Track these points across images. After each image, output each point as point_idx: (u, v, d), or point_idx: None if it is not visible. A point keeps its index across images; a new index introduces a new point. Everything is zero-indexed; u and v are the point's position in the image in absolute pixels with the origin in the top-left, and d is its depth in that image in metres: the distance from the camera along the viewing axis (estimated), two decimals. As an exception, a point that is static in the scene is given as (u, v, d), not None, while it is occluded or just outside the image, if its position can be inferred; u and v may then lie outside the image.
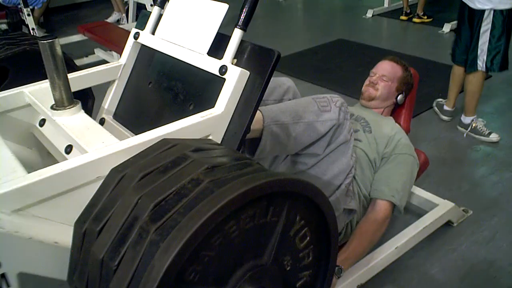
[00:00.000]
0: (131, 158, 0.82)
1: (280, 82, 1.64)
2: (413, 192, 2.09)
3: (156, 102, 1.30)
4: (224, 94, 1.06)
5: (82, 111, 1.10)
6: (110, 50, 3.90)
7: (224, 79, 1.06)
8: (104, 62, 3.84)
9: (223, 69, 1.07)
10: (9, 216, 0.83)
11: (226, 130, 1.07)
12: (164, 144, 0.84)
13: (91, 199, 0.79)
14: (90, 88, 1.47)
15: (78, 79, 1.30)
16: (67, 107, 1.08)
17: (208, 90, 1.15)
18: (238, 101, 1.06)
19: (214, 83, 1.11)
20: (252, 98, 1.05)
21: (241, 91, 1.06)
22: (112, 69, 1.38)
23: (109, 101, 1.40)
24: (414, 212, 2.06)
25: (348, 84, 3.41)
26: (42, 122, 1.28)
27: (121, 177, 0.77)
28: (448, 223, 2.01)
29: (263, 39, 4.81)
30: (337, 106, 1.39)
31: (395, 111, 2.06)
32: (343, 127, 1.42)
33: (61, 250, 0.87)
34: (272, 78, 1.06)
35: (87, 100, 1.53)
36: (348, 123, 1.44)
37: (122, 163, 0.81)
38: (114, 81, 1.40)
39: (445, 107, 2.92)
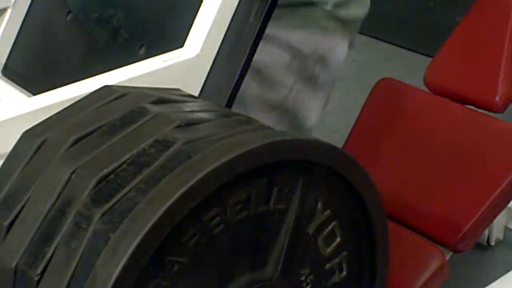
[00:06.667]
0: (53, 115, 0.68)
1: None
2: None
3: (81, 45, 1.10)
4: (200, 27, 0.86)
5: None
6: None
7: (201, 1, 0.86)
8: None
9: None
10: None
11: (204, 83, 0.88)
12: (108, 93, 0.68)
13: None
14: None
15: None
16: None
17: (171, 24, 0.96)
18: (224, 38, 0.87)
19: (180, 11, 0.93)
20: (246, 32, 0.87)
21: (229, 20, 0.87)
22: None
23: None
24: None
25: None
26: None
27: (40, 143, 0.63)
28: None
29: None
30: None
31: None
32: None
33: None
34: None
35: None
36: None
37: (40, 123, 0.67)
38: (5, 9, 1.17)
39: None
